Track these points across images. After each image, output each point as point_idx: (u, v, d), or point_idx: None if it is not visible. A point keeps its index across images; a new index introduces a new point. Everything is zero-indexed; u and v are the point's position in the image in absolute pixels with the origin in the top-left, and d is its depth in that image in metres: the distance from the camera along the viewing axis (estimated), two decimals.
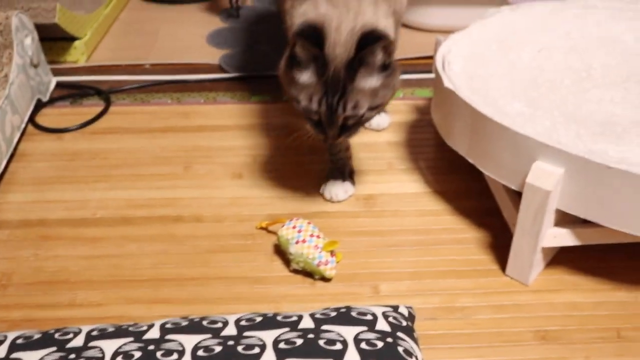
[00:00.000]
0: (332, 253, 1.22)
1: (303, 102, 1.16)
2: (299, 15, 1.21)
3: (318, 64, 1.13)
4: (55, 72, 1.92)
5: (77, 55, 2.02)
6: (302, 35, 1.11)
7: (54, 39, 1.98)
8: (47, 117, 1.76)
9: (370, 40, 1.11)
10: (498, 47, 1.48)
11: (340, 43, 1.13)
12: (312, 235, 1.22)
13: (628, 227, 1.09)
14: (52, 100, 1.83)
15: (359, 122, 1.19)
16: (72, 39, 2.00)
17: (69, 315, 1.17)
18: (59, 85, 1.89)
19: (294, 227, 1.24)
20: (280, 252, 1.28)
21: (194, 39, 2.20)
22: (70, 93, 1.87)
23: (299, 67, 1.15)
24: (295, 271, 1.24)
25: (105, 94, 1.84)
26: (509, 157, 1.18)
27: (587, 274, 1.23)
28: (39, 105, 1.79)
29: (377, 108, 1.19)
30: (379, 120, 1.64)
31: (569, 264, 1.25)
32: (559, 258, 1.26)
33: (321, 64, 1.13)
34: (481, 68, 1.40)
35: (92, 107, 1.80)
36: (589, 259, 1.26)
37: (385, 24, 1.20)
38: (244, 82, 1.93)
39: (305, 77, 1.15)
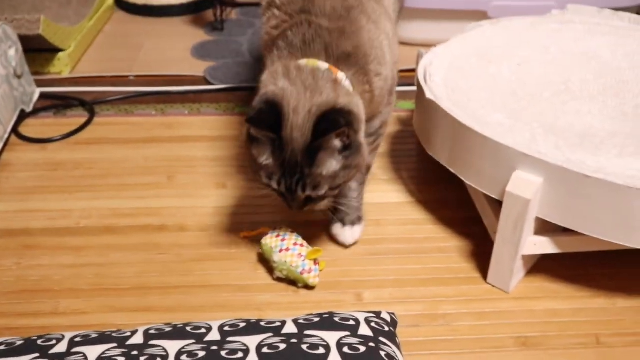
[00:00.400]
0: (315, 261, 1.23)
1: (263, 179, 1.13)
2: (262, 82, 1.15)
3: (275, 145, 1.08)
4: (39, 83, 1.92)
5: (61, 66, 2.02)
6: (257, 120, 1.07)
7: (38, 50, 1.99)
8: (30, 128, 1.76)
9: (327, 126, 1.05)
10: (478, 60, 1.51)
11: (297, 126, 1.06)
12: (295, 244, 1.23)
13: (606, 235, 1.11)
14: (35, 111, 1.83)
15: (324, 197, 1.15)
16: (56, 50, 2.00)
17: (51, 324, 1.16)
18: (42, 96, 1.89)
19: (277, 236, 1.25)
20: (264, 260, 1.28)
21: (179, 51, 2.21)
22: (54, 104, 1.87)
23: (257, 146, 1.11)
24: (279, 279, 1.25)
25: (90, 105, 1.84)
26: (489, 166, 1.20)
27: (567, 281, 1.25)
28: (23, 116, 1.78)
29: (338, 187, 1.14)
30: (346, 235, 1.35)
31: (548, 271, 1.27)
32: (539, 266, 1.28)
33: (278, 145, 1.08)
34: (462, 80, 1.43)
35: (75, 118, 1.80)
36: (568, 267, 1.28)
37: (347, 101, 1.10)
38: (229, 94, 1.94)
39: (263, 157, 1.10)
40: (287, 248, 1.22)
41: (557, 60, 1.53)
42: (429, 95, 1.34)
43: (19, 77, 1.74)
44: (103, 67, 2.09)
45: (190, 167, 1.60)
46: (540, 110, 1.34)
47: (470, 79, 1.44)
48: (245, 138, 1.14)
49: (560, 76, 1.47)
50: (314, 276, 1.22)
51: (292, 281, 1.24)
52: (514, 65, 1.50)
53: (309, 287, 1.23)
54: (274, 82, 1.11)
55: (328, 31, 1.15)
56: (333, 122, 1.05)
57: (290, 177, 1.09)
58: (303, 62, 1.13)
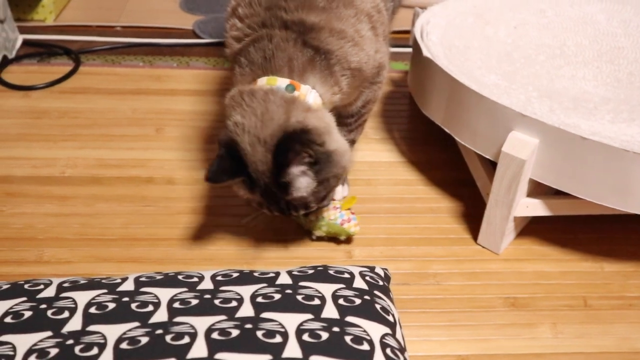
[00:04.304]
0: (351, 211, 1.22)
1: (254, 205, 1.10)
2: (225, 105, 1.09)
3: (248, 183, 1.05)
4: (22, 30, 1.86)
5: (45, 13, 1.96)
6: (218, 174, 1.03)
7: None
8: (13, 75, 1.70)
9: (282, 158, 1.00)
10: (475, 21, 1.49)
11: (259, 160, 1.02)
12: None
13: (599, 198, 1.12)
14: (18, 58, 1.78)
15: (321, 205, 1.12)
16: None
17: (35, 272, 1.14)
18: (25, 43, 1.84)
19: None
20: (298, 225, 1.26)
21: (167, 3, 2.16)
22: (38, 52, 1.81)
23: (234, 184, 1.08)
24: (319, 238, 1.23)
25: (75, 54, 1.79)
26: (485, 126, 1.19)
27: (556, 244, 1.26)
28: (5, 62, 1.73)
29: (329, 193, 1.10)
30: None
31: (538, 234, 1.28)
32: (529, 229, 1.28)
33: (250, 182, 1.04)
34: (458, 40, 1.41)
35: (60, 66, 1.76)
36: (558, 231, 1.28)
37: (302, 118, 1.03)
38: (218, 48, 1.90)
39: (242, 193, 1.08)
40: None
41: (553, 24, 1.52)
42: (425, 53, 1.33)
43: (1, 22, 1.68)
44: (88, 15, 2.03)
45: (178, 120, 1.57)
46: (535, 73, 1.33)
47: (466, 39, 1.42)
48: None
49: (556, 40, 1.46)
50: (354, 224, 1.21)
51: (332, 238, 1.23)
52: (510, 27, 1.49)
53: (350, 239, 1.23)
54: (230, 114, 1.05)
55: (292, 42, 1.06)
56: (287, 151, 1.00)
57: (276, 204, 1.06)
58: (262, 81, 1.06)
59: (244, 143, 1.02)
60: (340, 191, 1.29)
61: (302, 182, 1.03)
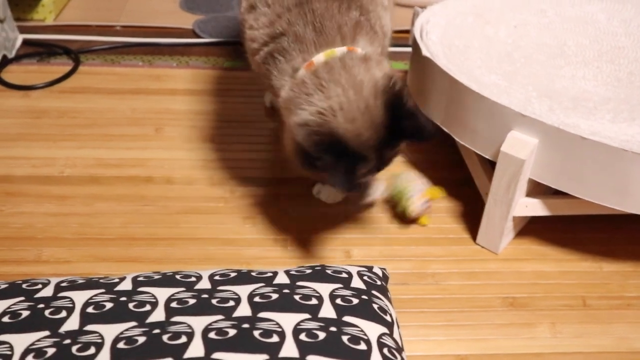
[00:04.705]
0: (429, 200, 1.25)
1: (346, 185, 1.02)
2: (285, 101, 1.04)
3: (355, 164, 1.00)
4: (22, 30, 1.86)
5: (44, 13, 1.96)
6: (350, 180, 0.98)
7: None
8: (12, 74, 1.70)
9: (398, 108, 1.00)
10: (475, 20, 1.49)
11: (364, 128, 0.98)
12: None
13: (598, 198, 1.11)
14: (18, 58, 1.78)
15: None
16: None
17: (34, 271, 1.14)
18: (25, 43, 1.84)
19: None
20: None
21: (167, 2, 2.16)
22: (38, 51, 1.81)
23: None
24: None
25: (75, 54, 1.79)
26: (484, 126, 1.19)
27: (555, 244, 1.26)
28: (5, 62, 1.73)
29: None
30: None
31: (537, 234, 1.27)
32: (528, 229, 1.28)
33: (358, 161, 1.00)
34: (458, 39, 1.41)
35: (60, 66, 1.76)
36: (556, 231, 1.28)
37: (383, 69, 1.03)
38: (218, 48, 1.90)
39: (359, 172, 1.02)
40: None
41: (553, 23, 1.52)
42: (425, 52, 1.32)
43: (1, 21, 1.68)
44: (88, 15, 2.03)
45: (178, 119, 1.56)
46: (535, 73, 1.33)
47: (466, 38, 1.42)
48: (300, 160, 1.04)
49: (556, 40, 1.46)
50: (421, 210, 1.25)
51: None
52: (510, 27, 1.48)
53: (412, 221, 1.27)
54: (306, 101, 1.00)
55: (337, 8, 1.05)
56: (399, 98, 1.00)
57: (380, 163, 1.04)
58: (320, 57, 1.02)
59: (340, 126, 0.97)
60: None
61: (419, 134, 1.03)
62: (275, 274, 0.94)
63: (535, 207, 1.19)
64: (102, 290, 0.89)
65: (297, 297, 0.86)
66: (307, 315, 0.83)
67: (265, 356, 0.75)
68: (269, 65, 1.07)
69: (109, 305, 0.85)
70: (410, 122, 1.01)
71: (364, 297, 0.89)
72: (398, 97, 1.01)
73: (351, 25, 1.05)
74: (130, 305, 0.85)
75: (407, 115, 1.01)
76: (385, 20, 1.15)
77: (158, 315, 0.83)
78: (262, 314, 0.83)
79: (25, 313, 0.84)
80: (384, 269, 1.03)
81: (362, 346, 0.79)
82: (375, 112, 0.99)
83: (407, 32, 1.88)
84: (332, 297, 0.87)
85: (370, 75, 1.01)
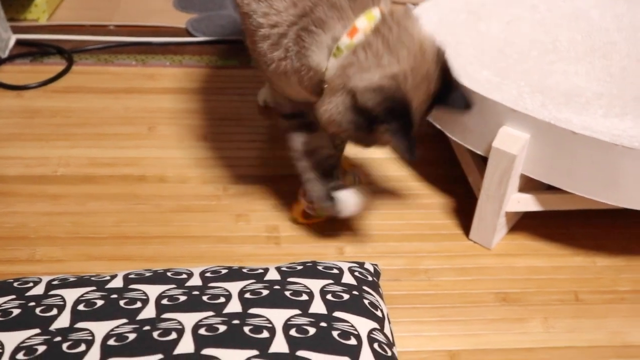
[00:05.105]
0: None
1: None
2: (351, 65, 0.98)
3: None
4: (15, 30, 1.86)
5: (38, 13, 1.96)
6: (415, 147, 0.97)
7: None
8: (6, 74, 1.70)
9: (449, 78, 1.02)
10: (467, 17, 1.49)
11: (422, 95, 0.99)
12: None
13: (590, 193, 1.11)
14: (11, 57, 1.77)
15: None
16: None
17: (27, 270, 1.14)
18: (19, 42, 1.83)
19: None
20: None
21: (160, 1, 2.15)
22: (31, 51, 1.81)
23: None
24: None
25: (68, 53, 1.79)
26: (476, 122, 1.19)
27: (548, 239, 1.26)
28: None
29: None
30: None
31: (530, 230, 1.27)
32: (521, 224, 1.28)
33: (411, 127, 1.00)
34: (450, 36, 1.41)
35: (53, 65, 1.75)
36: (550, 226, 1.28)
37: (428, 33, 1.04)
38: (211, 47, 1.90)
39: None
40: None
41: (546, 19, 1.52)
42: None
43: None
44: (82, 15, 2.03)
45: (171, 118, 1.56)
46: (528, 69, 1.33)
47: (459, 35, 1.42)
48: (351, 125, 1.01)
49: (549, 35, 1.46)
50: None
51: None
52: (503, 23, 1.49)
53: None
54: (377, 65, 0.97)
55: None
56: (448, 65, 1.02)
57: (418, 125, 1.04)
58: (362, 21, 0.99)
59: (409, 91, 0.97)
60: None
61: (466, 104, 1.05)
62: (266, 270, 0.94)
63: (528, 203, 1.19)
64: (93, 288, 0.89)
65: (287, 293, 0.87)
66: (297, 311, 0.83)
67: (255, 352, 0.75)
68: (302, 43, 1.01)
69: (99, 302, 0.85)
70: (456, 94, 1.03)
71: (355, 292, 0.89)
72: (448, 67, 1.02)
73: None
74: (121, 303, 0.85)
75: (455, 87, 1.03)
76: None
77: (149, 312, 0.83)
78: (252, 310, 0.83)
79: (16, 311, 0.84)
80: (376, 264, 1.03)
81: (353, 341, 0.79)
82: (433, 79, 1.00)
83: None
84: (323, 292, 0.88)
85: (423, 36, 1.01)
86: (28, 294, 0.88)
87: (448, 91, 1.03)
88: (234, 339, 0.77)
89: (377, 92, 0.95)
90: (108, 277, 0.92)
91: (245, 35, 1.14)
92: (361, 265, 0.99)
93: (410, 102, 0.97)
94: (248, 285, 0.89)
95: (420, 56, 0.98)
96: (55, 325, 0.81)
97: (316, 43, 1.00)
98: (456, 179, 1.37)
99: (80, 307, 0.84)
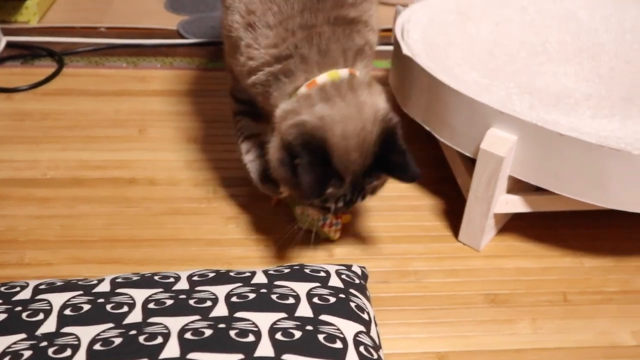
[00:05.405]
0: (337, 216, 1.21)
1: (315, 203, 1.05)
2: (285, 111, 1.04)
3: (330, 178, 1.00)
4: (5, 32, 1.86)
5: (28, 15, 1.96)
6: (312, 167, 0.97)
7: None
8: None
9: (391, 137, 1.02)
10: (457, 18, 1.49)
11: (352, 149, 0.99)
12: None
13: (577, 194, 1.12)
14: (1, 60, 1.77)
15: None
16: None
17: (17, 274, 1.14)
18: (9, 45, 1.83)
19: None
20: (289, 210, 1.28)
21: (152, 3, 2.15)
22: (22, 53, 1.81)
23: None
24: (300, 229, 1.22)
25: (59, 56, 1.79)
26: (464, 124, 1.19)
27: (536, 241, 1.26)
28: None
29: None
30: None
31: (519, 231, 1.28)
32: (510, 226, 1.29)
33: (334, 174, 1.00)
34: (440, 37, 1.41)
35: (43, 68, 1.75)
36: (538, 227, 1.28)
37: (385, 101, 1.06)
38: (202, 49, 1.90)
39: (328, 190, 1.02)
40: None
41: (535, 21, 1.53)
42: (405, 51, 1.33)
43: None
44: (73, 17, 2.03)
45: (162, 121, 1.57)
46: (517, 70, 1.34)
47: (448, 36, 1.42)
48: (280, 168, 1.03)
49: (538, 37, 1.47)
50: (335, 230, 1.21)
51: (311, 231, 1.22)
52: (492, 24, 1.49)
53: (330, 240, 1.23)
54: (308, 108, 1.01)
55: (342, 35, 1.06)
56: (393, 133, 1.02)
57: (352, 193, 1.03)
58: (323, 77, 1.03)
59: (334, 136, 0.98)
60: None
61: (402, 173, 1.03)
62: (253, 273, 0.94)
63: (516, 204, 1.19)
64: (80, 292, 0.89)
65: (274, 297, 0.87)
66: (283, 315, 0.83)
67: (241, 356, 0.76)
68: (269, 84, 1.08)
69: (86, 307, 0.85)
70: (397, 159, 1.02)
71: (342, 295, 0.89)
72: (393, 131, 1.03)
73: (353, 51, 1.08)
74: (108, 307, 0.85)
75: (397, 151, 1.02)
76: (376, 41, 1.16)
77: (135, 316, 0.83)
78: (238, 314, 0.83)
79: (2, 316, 0.84)
80: (364, 267, 1.03)
81: (338, 344, 0.80)
82: (369, 137, 1.00)
83: (389, 30, 1.88)
84: (309, 296, 0.88)
85: (373, 100, 1.04)
86: (15, 298, 0.88)
87: (392, 157, 1.02)
88: (219, 343, 0.77)
89: (299, 126, 0.99)
90: (95, 282, 0.93)
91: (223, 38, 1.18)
92: (348, 267, 0.99)
93: (333, 145, 0.98)
94: (235, 288, 0.89)
95: (356, 112, 1.00)
96: (42, 330, 0.81)
97: (279, 90, 1.07)
98: (445, 180, 1.38)
99: (67, 312, 0.84)
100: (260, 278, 0.92)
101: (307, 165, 0.97)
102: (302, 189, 0.97)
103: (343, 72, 1.05)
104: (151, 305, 0.85)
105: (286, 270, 0.95)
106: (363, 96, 1.03)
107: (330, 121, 0.99)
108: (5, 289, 0.91)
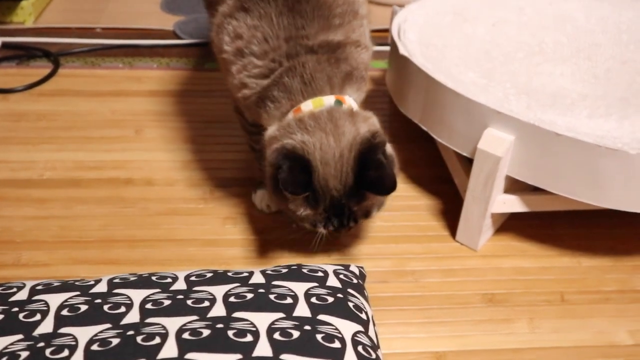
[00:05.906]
0: None
1: (307, 226, 1.06)
2: (270, 137, 1.07)
3: (309, 199, 1.02)
4: (1, 33, 1.86)
5: (24, 15, 1.95)
6: (291, 184, 0.99)
7: None
8: None
9: (368, 163, 1.02)
10: (453, 19, 1.49)
11: (331, 176, 1.01)
12: None
13: (574, 194, 1.12)
14: None
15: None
16: None
17: (13, 275, 1.14)
18: (4, 45, 1.83)
19: None
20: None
21: (148, 4, 2.15)
22: (17, 54, 1.81)
23: (290, 201, 1.03)
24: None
25: (54, 56, 1.79)
26: (461, 124, 1.19)
27: (534, 240, 1.26)
28: None
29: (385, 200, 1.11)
30: None
31: (516, 231, 1.28)
32: (507, 225, 1.29)
33: (313, 198, 1.02)
34: (436, 38, 1.41)
35: (39, 68, 1.75)
36: (536, 227, 1.29)
37: (368, 125, 1.06)
38: (198, 49, 1.90)
39: (300, 210, 1.03)
40: None
41: (531, 21, 1.53)
42: (402, 51, 1.33)
43: None
44: (68, 17, 2.02)
45: (158, 121, 1.56)
46: (513, 70, 1.34)
47: (445, 37, 1.42)
48: (270, 181, 1.05)
49: (534, 37, 1.47)
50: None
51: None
52: (489, 25, 1.49)
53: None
54: (289, 135, 1.03)
55: (326, 62, 1.08)
56: (368, 159, 1.02)
57: (337, 217, 1.04)
58: (308, 105, 1.06)
59: (314, 159, 1.01)
60: None
61: (378, 185, 1.02)
62: (251, 273, 0.94)
63: (513, 204, 1.20)
64: (77, 293, 0.88)
65: (272, 297, 0.87)
66: (281, 315, 0.83)
67: (239, 356, 0.75)
68: (259, 106, 1.10)
69: (83, 307, 0.85)
70: (373, 173, 1.02)
71: (340, 295, 0.89)
72: (371, 149, 1.02)
73: (340, 77, 1.09)
74: (105, 307, 0.85)
75: (374, 166, 1.02)
76: (369, 59, 1.17)
77: (133, 316, 0.83)
78: (236, 314, 0.83)
79: None
80: (361, 267, 1.03)
81: (337, 344, 0.79)
82: (346, 163, 1.01)
83: (386, 30, 1.88)
84: (307, 295, 0.88)
85: (354, 128, 1.04)
86: (11, 299, 0.88)
87: (369, 173, 1.02)
88: (217, 343, 0.77)
89: (281, 148, 1.02)
90: (92, 282, 0.92)
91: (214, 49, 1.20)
92: (346, 267, 0.99)
93: (313, 166, 1.00)
94: (233, 288, 0.89)
95: (334, 141, 1.02)
96: (39, 331, 0.81)
97: (268, 113, 1.09)
98: (443, 180, 1.38)
99: (64, 312, 0.84)
100: (258, 278, 0.92)
101: (287, 169, 0.99)
102: (282, 184, 0.98)
103: (328, 100, 1.06)
104: (149, 306, 0.85)
105: (284, 270, 0.95)
106: (343, 126, 1.03)
107: (311, 147, 1.01)
108: (2, 289, 0.91)
